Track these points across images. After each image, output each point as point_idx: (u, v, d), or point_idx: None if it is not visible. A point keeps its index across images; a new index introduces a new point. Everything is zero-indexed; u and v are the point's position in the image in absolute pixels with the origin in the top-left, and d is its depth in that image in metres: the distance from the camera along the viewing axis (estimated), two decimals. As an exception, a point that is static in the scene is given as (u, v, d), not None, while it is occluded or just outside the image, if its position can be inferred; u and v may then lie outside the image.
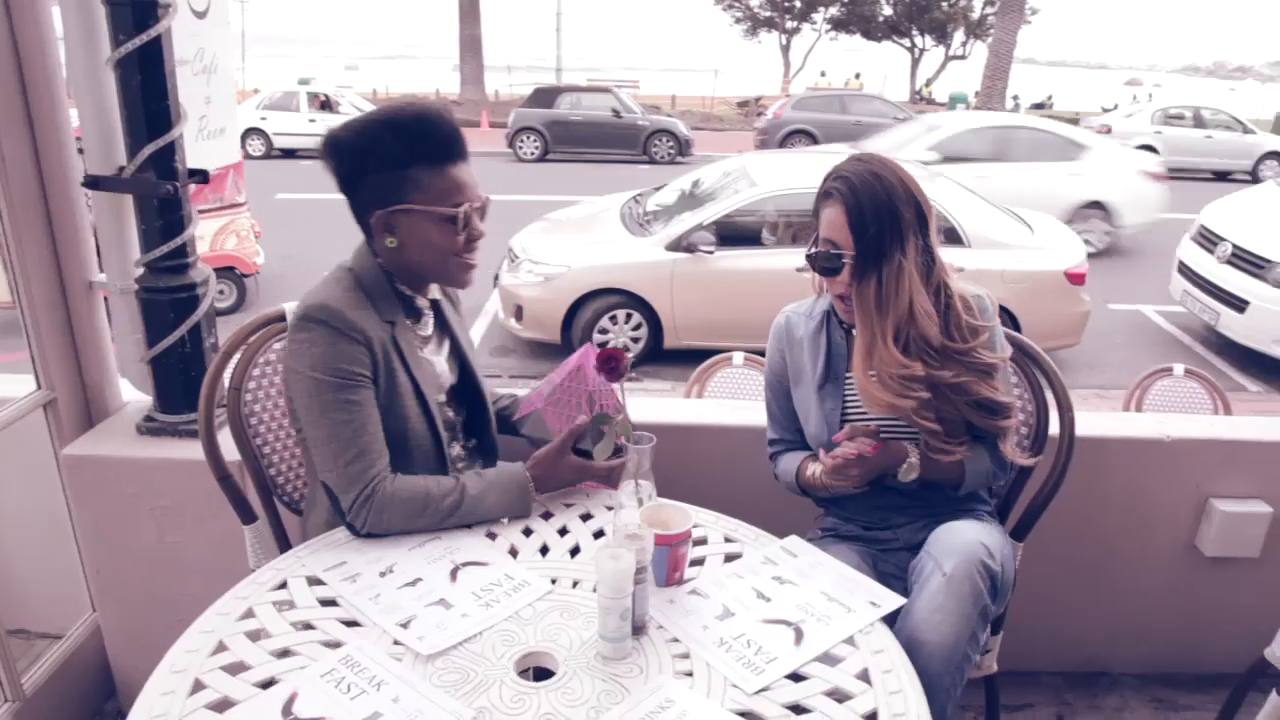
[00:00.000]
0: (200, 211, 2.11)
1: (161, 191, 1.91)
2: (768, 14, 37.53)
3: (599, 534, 1.56)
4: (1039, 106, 31.68)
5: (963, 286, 1.74)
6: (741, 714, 1.17)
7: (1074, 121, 21.23)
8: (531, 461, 1.61)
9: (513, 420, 1.81)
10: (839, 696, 1.22)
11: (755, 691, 1.20)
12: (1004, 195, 7.55)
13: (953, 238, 6.01)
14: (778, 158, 7.51)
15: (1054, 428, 1.92)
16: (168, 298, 2.01)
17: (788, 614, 1.36)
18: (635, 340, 6.27)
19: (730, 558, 1.52)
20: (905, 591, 1.53)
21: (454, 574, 1.42)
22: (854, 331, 1.75)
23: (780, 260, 6.13)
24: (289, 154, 16.56)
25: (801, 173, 6.78)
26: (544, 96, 17.98)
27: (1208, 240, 7.05)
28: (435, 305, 1.73)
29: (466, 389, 1.78)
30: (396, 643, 1.27)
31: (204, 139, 2.08)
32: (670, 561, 1.39)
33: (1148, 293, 8.29)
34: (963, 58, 35.34)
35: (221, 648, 1.25)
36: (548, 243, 6.60)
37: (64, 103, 1.92)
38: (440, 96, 27.02)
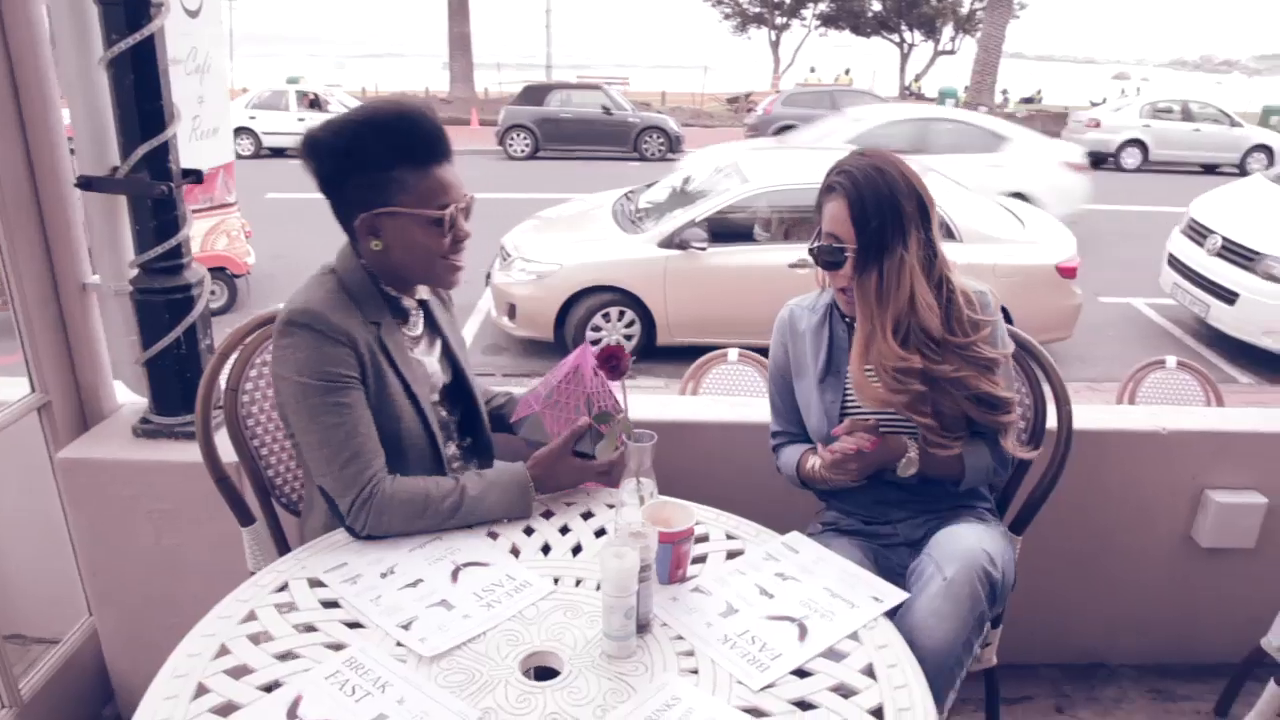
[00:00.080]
0: (191, 212, 2.10)
1: (156, 192, 1.90)
2: (757, 10, 37.48)
3: (600, 532, 1.56)
4: (1028, 101, 31.80)
5: (965, 282, 1.74)
6: (748, 710, 1.17)
7: (1063, 116, 21.34)
8: (532, 462, 1.60)
9: (510, 421, 1.80)
10: (844, 692, 1.22)
11: (761, 688, 1.20)
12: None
13: (944, 232, 6.01)
14: (769, 154, 7.50)
15: (1051, 421, 1.92)
16: (163, 299, 1.99)
17: (791, 610, 1.36)
18: (628, 338, 6.27)
19: (732, 554, 1.52)
20: (905, 589, 1.53)
21: (455, 575, 1.42)
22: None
23: (773, 256, 6.14)
24: (278, 153, 16.48)
25: (793, 168, 6.80)
26: (534, 94, 17.94)
27: (1197, 233, 7.09)
28: (424, 305, 1.71)
29: (460, 389, 1.77)
30: (399, 644, 1.26)
31: (197, 139, 2.07)
32: (673, 559, 1.39)
33: (1139, 286, 8.33)
34: (951, 53, 35.37)
35: (224, 651, 1.24)
36: (540, 241, 6.59)
37: (56, 103, 1.91)
38: (430, 94, 26.97)
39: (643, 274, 6.14)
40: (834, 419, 1.77)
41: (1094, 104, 24.16)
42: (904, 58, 36.24)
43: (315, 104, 17.19)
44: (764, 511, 1.66)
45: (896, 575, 1.66)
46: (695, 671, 1.24)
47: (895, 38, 36.09)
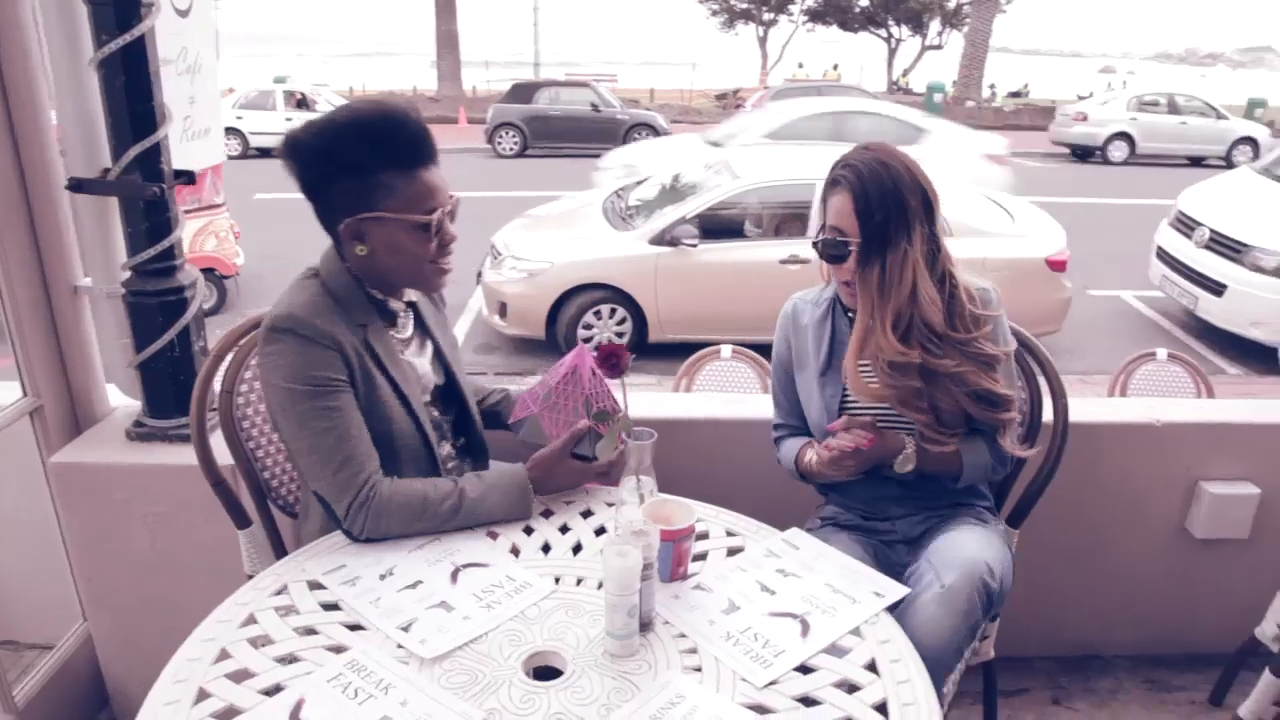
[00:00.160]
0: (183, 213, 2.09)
1: (148, 193, 1.88)
2: (744, 6, 37.51)
3: (600, 531, 1.56)
4: (1015, 95, 31.88)
5: (968, 279, 1.75)
6: (752, 707, 1.17)
7: (1050, 110, 21.41)
8: (531, 464, 1.60)
9: (508, 423, 1.79)
10: (848, 687, 1.22)
11: (765, 685, 1.20)
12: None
13: (936, 227, 6.02)
14: (760, 150, 7.51)
15: (1047, 414, 1.93)
16: (156, 301, 1.98)
17: (793, 606, 1.37)
18: (620, 335, 6.26)
19: (733, 551, 1.52)
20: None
21: (454, 576, 1.41)
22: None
23: (764, 252, 6.15)
24: (265, 153, 16.39)
25: (783, 165, 6.80)
26: (522, 92, 17.88)
27: (1185, 226, 7.13)
28: (413, 306, 1.69)
29: (453, 389, 1.76)
30: (400, 646, 1.26)
31: (188, 139, 2.05)
32: (674, 557, 1.39)
33: (1128, 278, 8.37)
34: (939, 48, 35.48)
35: (224, 655, 1.23)
36: (530, 239, 6.58)
37: (45, 105, 1.89)
38: (418, 93, 26.87)
39: (634, 271, 6.14)
40: (833, 413, 1.77)
41: (1081, 97, 24.23)
42: (891, 53, 36.34)
43: (303, 103, 17.10)
44: (762, 508, 1.66)
45: (896, 573, 1.67)
46: (699, 669, 1.24)
47: (882, 33, 36.17)
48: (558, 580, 1.42)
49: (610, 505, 1.62)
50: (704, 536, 1.55)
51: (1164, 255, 7.28)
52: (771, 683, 1.21)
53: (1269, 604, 2.13)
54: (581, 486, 1.67)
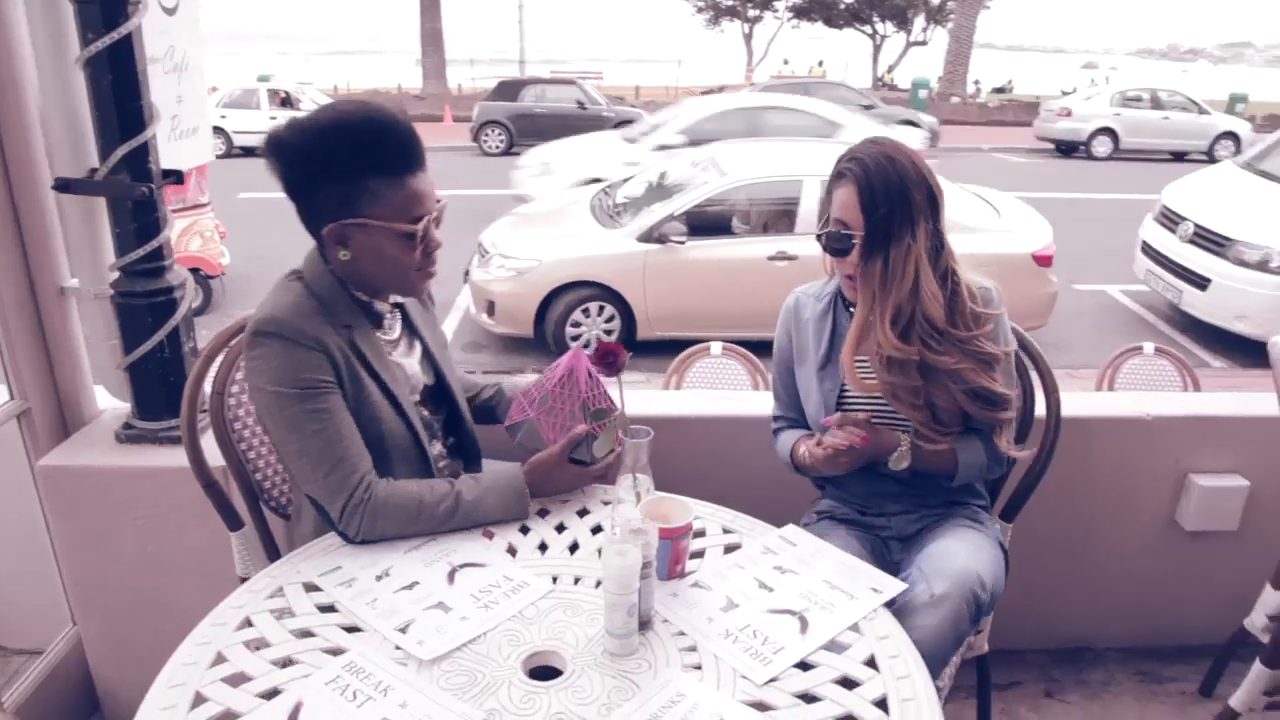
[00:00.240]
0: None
1: (136, 193, 1.86)
2: (729, 3, 37.51)
3: (597, 529, 1.56)
4: (1000, 90, 32.03)
5: (970, 277, 1.75)
6: (752, 705, 1.17)
7: (1034, 106, 21.50)
8: (529, 467, 1.59)
9: (505, 427, 1.78)
10: (848, 683, 1.22)
11: (765, 682, 1.20)
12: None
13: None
14: (747, 147, 7.49)
15: (1040, 409, 1.94)
16: (145, 302, 1.96)
17: (791, 603, 1.37)
18: (608, 333, 6.25)
19: (730, 549, 1.52)
20: None
21: (451, 576, 1.41)
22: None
23: (752, 249, 6.15)
24: (249, 152, 16.27)
25: (771, 161, 6.80)
26: (508, 89, 17.82)
27: (1170, 220, 7.18)
28: (400, 307, 1.68)
29: (443, 388, 1.75)
30: (399, 647, 1.25)
31: (176, 139, 2.03)
32: (672, 555, 1.39)
33: (1113, 273, 8.42)
34: (923, 44, 35.58)
35: (220, 659, 1.22)
36: (518, 237, 6.56)
37: (32, 104, 1.86)
38: (403, 91, 26.74)
39: (622, 269, 6.13)
40: (831, 407, 1.77)
41: (1064, 93, 24.35)
42: (876, 49, 36.42)
43: (287, 102, 16.97)
44: (758, 505, 1.66)
45: (891, 569, 1.67)
46: (699, 667, 1.23)
47: (867, 29, 36.24)
48: (555, 579, 1.42)
49: (606, 504, 1.62)
50: (701, 534, 1.55)
51: (1149, 250, 7.33)
52: (771, 680, 1.21)
53: (1258, 595, 2.15)
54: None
